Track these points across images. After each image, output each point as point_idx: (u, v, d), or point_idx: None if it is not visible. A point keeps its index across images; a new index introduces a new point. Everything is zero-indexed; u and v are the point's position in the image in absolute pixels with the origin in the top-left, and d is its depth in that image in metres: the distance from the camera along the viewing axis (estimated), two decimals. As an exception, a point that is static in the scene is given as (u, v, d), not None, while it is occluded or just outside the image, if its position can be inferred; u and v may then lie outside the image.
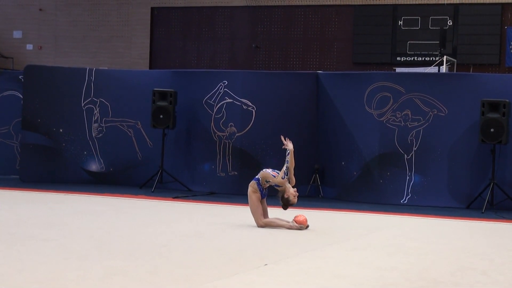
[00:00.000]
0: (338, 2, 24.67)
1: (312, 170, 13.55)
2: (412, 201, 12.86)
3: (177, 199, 12.64)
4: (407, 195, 12.92)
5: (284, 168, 9.28)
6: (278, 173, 9.35)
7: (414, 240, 8.93)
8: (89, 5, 27.22)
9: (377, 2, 24.26)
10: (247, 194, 9.48)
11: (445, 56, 21.11)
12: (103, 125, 14.62)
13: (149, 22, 26.66)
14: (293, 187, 9.39)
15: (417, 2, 23.88)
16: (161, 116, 13.79)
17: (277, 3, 25.29)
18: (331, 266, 6.96)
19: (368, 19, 24.30)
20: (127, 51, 26.89)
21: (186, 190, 13.90)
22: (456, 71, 21.68)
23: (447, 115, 12.74)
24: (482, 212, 11.99)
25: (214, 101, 13.94)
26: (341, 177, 13.42)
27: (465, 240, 9.22)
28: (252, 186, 9.40)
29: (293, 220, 9.33)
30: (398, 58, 23.99)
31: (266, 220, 9.41)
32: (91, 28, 27.22)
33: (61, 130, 14.57)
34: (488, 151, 12.38)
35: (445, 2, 23.46)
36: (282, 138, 9.52)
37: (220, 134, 13.89)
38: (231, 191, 13.58)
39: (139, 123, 14.48)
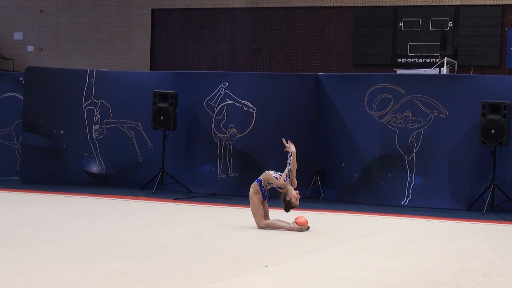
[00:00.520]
0: (338, 4, 24.70)
1: (313, 172, 13.54)
2: (413, 203, 12.85)
3: (177, 201, 12.63)
4: (408, 196, 12.92)
5: (286, 170, 9.29)
6: (281, 175, 9.36)
7: (415, 241, 8.92)
8: (90, 6, 27.25)
9: (378, 4, 24.27)
10: (247, 196, 9.48)
11: (445, 58, 21.14)
12: (104, 126, 14.62)
13: (149, 23, 26.69)
14: (294, 189, 9.39)
15: (417, 4, 23.90)
16: (162, 118, 13.79)
17: (277, 5, 25.30)
18: (332, 268, 6.96)
19: (369, 20, 24.32)
20: (127, 52, 26.92)
21: (187, 191, 13.90)
22: (457, 73, 21.70)
23: (447, 117, 12.74)
24: (483, 214, 11.98)
25: (214, 103, 13.94)
26: (341, 179, 13.42)
27: (465, 241, 9.21)
28: (254, 187, 9.40)
29: (294, 221, 9.33)
30: (399, 60, 24.01)
31: (267, 221, 9.41)
32: (92, 29, 27.25)
33: (61, 132, 14.58)
34: (489, 153, 12.38)
35: (446, 3, 23.48)
36: (284, 140, 9.53)
37: (220, 135, 13.89)
38: (231, 193, 13.58)
39: (139, 125, 14.48)
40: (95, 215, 10.33)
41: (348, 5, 24.54)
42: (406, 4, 24.00)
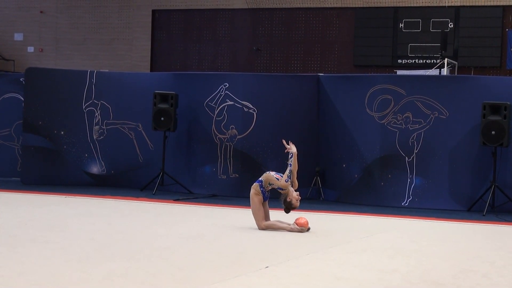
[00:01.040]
0: (339, 5, 24.69)
1: (313, 173, 13.54)
2: (413, 204, 12.85)
3: (178, 202, 12.64)
4: (408, 197, 12.92)
5: (287, 171, 9.29)
6: (282, 176, 9.36)
7: (415, 242, 8.93)
8: (90, 7, 27.25)
9: (378, 5, 24.28)
10: (248, 197, 9.48)
11: (446, 59, 21.13)
12: (104, 127, 14.63)
13: (150, 24, 26.69)
14: (295, 190, 9.40)
15: (418, 5, 23.90)
16: (162, 119, 13.79)
17: (278, 6, 25.31)
18: (332, 269, 6.96)
19: (369, 21, 24.32)
20: (128, 53, 26.92)
21: (187, 192, 13.89)
22: (457, 74, 21.69)
23: (448, 118, 12.74)
24: (483, 215, 11.98)
25: (215, 104, 13.94)
26: (342, 180, 13.42)
27: (466, 242, 9.21)
28: (254, 188, 9.40)
29: (294, 222, 9.33)
30: (399, 61, 24.01)
31: (267, 222, 9.41)
32: (92, 30, 27.25)
33: (62, 133, 14.58)
34: (489, 154, 12.38)
35: (446, 4, 23.48)
36: (284, 142, 9.53)
37: (221, 136, 13.89)
38: (232, 194, 13.58)
39: (140, 126, 14.48)
40: (95, 216, 10.33)
41: (348, 5, 24.54)
42: (406, 5, 24.00)
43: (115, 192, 13.43)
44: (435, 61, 22.14)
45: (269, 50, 25.49)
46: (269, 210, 9.58)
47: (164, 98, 13.87)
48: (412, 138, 12.88)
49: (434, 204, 12.72)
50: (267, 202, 9.48)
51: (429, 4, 23.71)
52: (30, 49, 27.92)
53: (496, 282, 6.61)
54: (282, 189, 9.35)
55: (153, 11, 26.68)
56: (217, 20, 25.97)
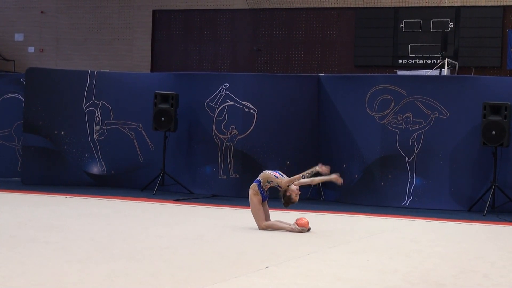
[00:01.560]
0: (339, 5, 24.69)
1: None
2: (414, 204, 12.84)
3: (178, 202, 12.63)
4: (409, 197, 12.91)
5: (298, 176, 9.27)
6: (280, 174, 9.37)
7: (416, 242, 8.92)
8: (91, 7, 27.25)
9: (379, 5, 24.27)
10: (248, 197, 9.47)
11: (446, 59, 21.12)
12: (105, 127, 14.63)
13: (150, 24, 26.69)
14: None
15: (418, 5, 23.90)
16: (163, 119, 13.79)
17: (278, 6, 25.31)
18: (333, 269, 6.95)
19: (370, 21, 24.32)
20: (128, 53, 26.92)
21: (188, 192, 13.89)
22: (458, 74, 21.69)
23: (448, 118, 12.73)
24: (484, 215, 11.98)
25: (215, 104, 13.94)
26: (342, 180, 13.38)
27: (466, 242, 9.21)
28: (253, 188, 9.39)
29: (295, 222, 9.33)
30: (400, 61, 24.01)
31: (268, 222, 9.40)
32: (93, 30, 27.26)
33: (62, 133, 14.58)
34: (490, 154, 12.37)
35: (447, 5, 23.48)
36: (321, 165, 9.46)
37: (221, 136, 13.88)
38: (232, 194, 13.57)
39: (140, 126, 14.49)
40: (95, 216, 10.33)
41: (349, 6, 24.54)
42: (407, 5, 24.00)
43: (115, 192, 13.43)
44: (435, 61, 22.14)
45: (269, 50, 25.49)
46: (269, 210, 9.58)
47: (164, 98, 13.87)
48: (413, 138, 12.88)
49: (435, 204, 12.72)
50: (266, 202, 9.47)
51: (430, 4, 23.71)
52: (31, 49, 27.93)
53: (496, 283, 6.60)
54: (280, 187, 9.36)
55: (154, 11, 26.68)
56: (218, 20, 25.97)
